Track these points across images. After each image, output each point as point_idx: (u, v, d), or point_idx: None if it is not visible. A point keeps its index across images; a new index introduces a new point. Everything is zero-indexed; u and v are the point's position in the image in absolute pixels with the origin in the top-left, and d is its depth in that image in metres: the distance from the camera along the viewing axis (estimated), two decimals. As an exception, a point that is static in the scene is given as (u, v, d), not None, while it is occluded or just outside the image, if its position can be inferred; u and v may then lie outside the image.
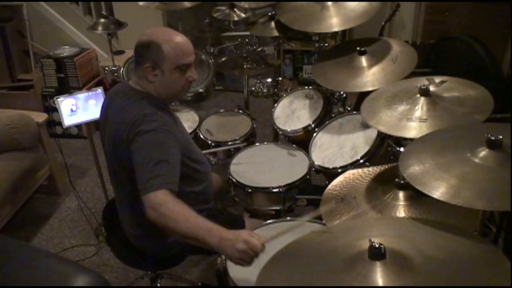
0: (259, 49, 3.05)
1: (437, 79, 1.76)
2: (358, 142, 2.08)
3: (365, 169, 1.75)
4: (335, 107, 2.54)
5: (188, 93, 3.15)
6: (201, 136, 2.50)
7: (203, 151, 2.14)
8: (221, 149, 2.36)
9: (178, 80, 1.68)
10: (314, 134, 2.25)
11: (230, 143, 2.43)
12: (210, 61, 2.91)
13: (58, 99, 2.36)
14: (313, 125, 2.31)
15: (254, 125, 2.56)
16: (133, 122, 1.58)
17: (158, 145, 1.56)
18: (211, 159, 2.42)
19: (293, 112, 2.45)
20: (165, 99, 1.74)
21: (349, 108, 2.54)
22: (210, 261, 2.47)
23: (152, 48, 1.62)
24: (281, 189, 2.00)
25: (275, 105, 2.55)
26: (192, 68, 1.71)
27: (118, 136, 1.63)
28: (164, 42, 1.62)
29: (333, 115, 2.38)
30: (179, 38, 1.66)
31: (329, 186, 1.72)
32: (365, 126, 2.11)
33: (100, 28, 2.96)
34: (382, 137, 2.00)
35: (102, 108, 1.81)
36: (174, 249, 1.83)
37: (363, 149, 2.02)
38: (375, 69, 2.12)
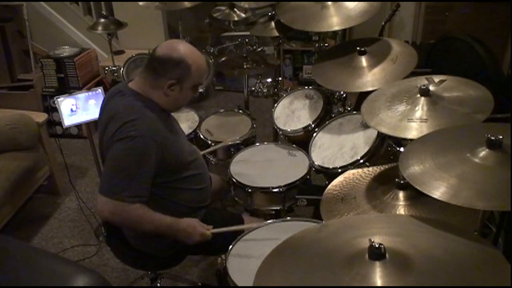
0: (259, 49, 3.04)
1: (437, 79, 1.76)
2: (358, 142, 2.07)
3: (365, 169, 1.75)
4: (335, 107, 2.53)
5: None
6: (201, 136, 2.49)
7: (202, 152, 2.15)
8: (218, 147, 2.34)
9: (190, 96, 1.75)
10: (314, 134, 2.24)
11: (229, 142, 2.42)
12: (210, 61, 2.90)
13: (58, 99, 2.36)
14: (313, 125, 2.31)
15: (254, 125, 2.56)
16: (120, 125, 1.62)
17: (134, 155, 1.61)
18: (211, 159, 2.42)
19: (293, 112, 2.45)
20: (167, 109, 1.78)
21: (349, 108, 2.53)
22: (210, 261, 2.47)
23: (181, 66, 1.65)
24: (281, 189, 2.00)
25: (275, 105, 2.55)
26: None
27: (106, 136, 1.69)
28: (194, 63, 1.66)
29: (333, 115, 2.37)
30: (202, 60, 1.73)
31: (329, 186, 1.72)
32: (365, 126, 2.11)
33: (100, 28, 2.97)
34: (382, 137, 2.00)
35: (101, 108, 1.83)
36: (173, 249, 1.83)
37: (363, 149, 2.02)
38: (375, 69, 2.11)
